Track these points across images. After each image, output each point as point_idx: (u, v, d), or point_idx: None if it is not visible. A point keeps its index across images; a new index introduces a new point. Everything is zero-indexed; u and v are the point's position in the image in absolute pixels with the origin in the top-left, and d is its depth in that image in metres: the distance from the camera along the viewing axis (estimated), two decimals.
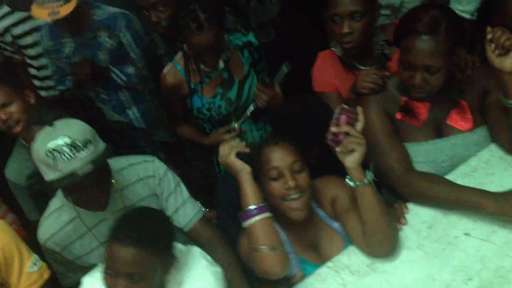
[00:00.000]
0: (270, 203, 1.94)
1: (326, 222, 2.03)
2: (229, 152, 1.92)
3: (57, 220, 2.09)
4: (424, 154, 2.11)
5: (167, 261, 1.81)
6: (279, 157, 1.90)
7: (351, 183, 1.83)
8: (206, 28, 2.39)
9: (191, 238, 2.16)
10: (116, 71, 3.07)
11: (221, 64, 2.57)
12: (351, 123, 1.82)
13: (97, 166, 1.83)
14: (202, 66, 2.61)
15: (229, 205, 1.99)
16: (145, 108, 3.18)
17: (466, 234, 1.89)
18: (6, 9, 3.25)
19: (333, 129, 1.80)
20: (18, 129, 2.53)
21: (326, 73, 2.48)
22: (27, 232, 2.67)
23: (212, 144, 2.75)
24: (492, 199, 1.84)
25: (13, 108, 2.51)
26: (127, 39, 3.04)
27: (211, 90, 2.67)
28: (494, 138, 2.12)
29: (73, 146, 1.80)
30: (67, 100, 2.48)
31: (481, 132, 2.11)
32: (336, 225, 2.02)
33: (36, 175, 2.43)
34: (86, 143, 1.83)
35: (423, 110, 2.12)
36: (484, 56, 2.17)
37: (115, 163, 2.12)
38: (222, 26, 2.54)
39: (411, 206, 2.04)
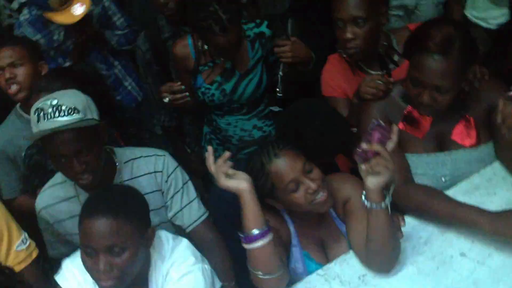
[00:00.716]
0: (294, 210, 1.92)
1: (336, 223, 2.00)
2: (217, 176, 1.79)
3: (56, 193, 2.11)
4: (425, 167, 2.07)
5: (145, 231, 1.78)
6: (289, 168, 1.83)
7: (367, 203, 1.74)
8: (229, 29, 2.34)
9: (191, 238, 2.11)
10: (107, 32, 3.07)
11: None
12: (383, 141, 1.70)
13: (75, 134, 1.85)
14: (206, 47, 2.56)
15: (226, 212, 1.93)
16: (138, 78, 3.22)
17: (462, 254, 1.85)
18: None
19: (364, 146, 1.67)
20: (14, 90, 2.54)
21: (336, 78, 2.42)
22: None
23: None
24: (489, 218, 1.80)
25: (20, 71, 2.52)
26: (107, 1, 3.05)
27: (211, 76, 2.62)
28: (499, 156, 2.07)
29: (57, 108, 1.84)
30: (76, 73, 2.46)
31: (485, 149, 2.06)
32: (344, 228, 1.99)
33: (35, 145, 2.44)
34: (72, 110, 1.85)
35: (426, 121, 2.07)
36: (494, 69, 2.12)
37: (128, 152, 2.13)
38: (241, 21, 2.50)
39: (408, 219, 2.01)
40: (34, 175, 2.50)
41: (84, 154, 1.90)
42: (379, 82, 2.12)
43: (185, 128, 3.17)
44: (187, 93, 2.60)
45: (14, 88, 2.53)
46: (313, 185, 1.82)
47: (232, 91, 2.62)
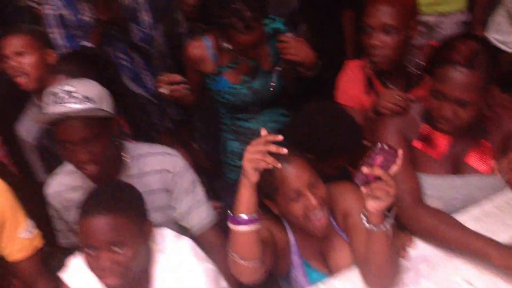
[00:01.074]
0: (289, 221, 1.89)
1: (338, 231, 1.97)
2: (253, 160, 1.70)
3: (65, 181, 2.11)
4: (437, 189, 2.03)
5: (142, 225, 1.78)
6: (295, 176, 1.80)
7: (367, 225, 1.71)
8: (254, 27, 2.30)
9: (196, 239, 2.09)
10: (132, 24, 3.03)
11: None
12: (387, 165, 1.66)
13: (85, 122, 1.84)
14: (227, 47, 2.52)
15: None
16: (157, 73, 3.14)
17: (468, 282, 1.82)
18: None
19: (365, 170, 1.64)
20: (22, 81, 2.53)
21: (353, 87, 2.39)
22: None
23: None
24: (500, 251, 1.76)
25: (27, 60, 2.51)
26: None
27: (236, 76, 2.59)
28: None
29: (70, 95, 1.84)
30: (88, 56, 2.43)
31: (500, 177, 2.03)
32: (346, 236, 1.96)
33: (45, 130, 2.43)
34: (85, 99, 1.85)
35: (444, 142, 2.04)
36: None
37: (137, 148, 2.11)
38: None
39: (415, 240, 1.97)
40: (44, 159, 2.49)
41: (91, 144, 1.88)
42: (399, 97, 2.10)
43: (194, 123, 3.15)
44: (187, 86, 2.58)
45: (22, 79, 2.52)
46: (313, 201, 1.79)
47: (263, 88, 2.59)
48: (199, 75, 2.64)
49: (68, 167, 2.10)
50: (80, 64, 2.20)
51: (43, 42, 2.62)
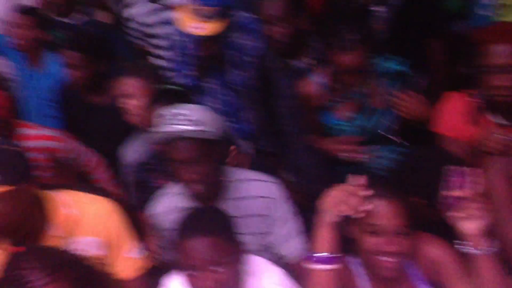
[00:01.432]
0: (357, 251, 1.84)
1: (414, 282, 1.87)
2: (337, 205, 1.73)
3: (169, 202, 2.22)
4: None
5: (236, 247, 1.82)
6: (388, 216, 1.73)
7: (470, 250, 1.65)
8: (353, 48, 2.34)
9: (288, 269, 2.09)
10: (231, 68, 3.05)
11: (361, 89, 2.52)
12: (466, 186, 1.64)
13: (197, 143, 1.95)
14: (342, 86, 2.56)
15: None
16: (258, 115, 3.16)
17: None
18: None
19: (456, 193, 1.63)
20: (127, 118, 2.62)
21: (455, 118, 2.33)
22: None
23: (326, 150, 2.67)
24: None
25: (135, 102, 2.59)
26: (249, 43, 3.00)
27: (344, 112, 2.62)
28: None
29: (186, 118, 1.96)
30: (168, 94, 2.51)
31: None
32: None
33: (143, 164, 2.58)
34: (198, 122, 1.95)
35: None
36: None
37: (237, 173, 2.19)
38: (370, 49, 2.48)
39: None
40: (139, 190, 2.59)
41: (201, 164, 1.99)
42: (506, 138, 2.04)
43: (286, 155, 3.13)
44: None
45: (127, 115, 2.62)
46: (391, 247, 1.72)
47: (368, 126, 2.60)
48: (313, 111, 2.68)
49: (172, 189, 2.20)
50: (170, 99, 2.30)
51: (152, 82, 2.66)
